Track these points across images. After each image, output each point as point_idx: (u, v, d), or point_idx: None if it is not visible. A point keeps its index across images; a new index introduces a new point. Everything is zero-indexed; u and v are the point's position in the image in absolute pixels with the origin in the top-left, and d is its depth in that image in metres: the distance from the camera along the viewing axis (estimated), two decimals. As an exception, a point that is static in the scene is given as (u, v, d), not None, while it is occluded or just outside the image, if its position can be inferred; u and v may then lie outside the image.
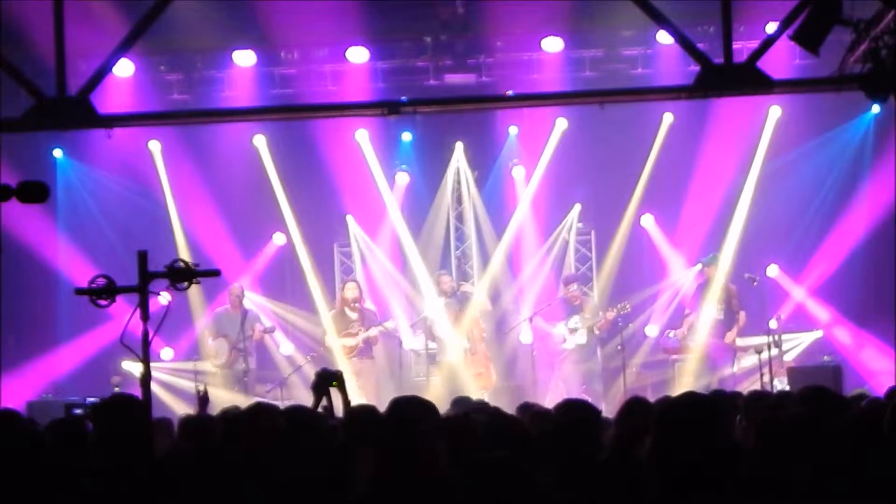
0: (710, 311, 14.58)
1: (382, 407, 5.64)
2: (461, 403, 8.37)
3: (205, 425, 6.67)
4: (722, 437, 3.71)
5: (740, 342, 14.57)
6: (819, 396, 6.35)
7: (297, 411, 6.32)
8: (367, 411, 6.21)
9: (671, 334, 14.89)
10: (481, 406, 8.40)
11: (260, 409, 5.94)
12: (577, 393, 14.55)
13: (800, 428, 5.06)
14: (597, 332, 14.84)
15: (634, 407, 6.40)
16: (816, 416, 5.29)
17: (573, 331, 14.82)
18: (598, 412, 5.96)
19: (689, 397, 4.03)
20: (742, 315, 14.65)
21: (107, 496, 4.80)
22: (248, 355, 14.68)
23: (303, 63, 15.09)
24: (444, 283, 15.29)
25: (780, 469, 4.69)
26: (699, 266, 15.24)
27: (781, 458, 4.79)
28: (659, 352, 15.16)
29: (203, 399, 7.77)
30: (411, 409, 4.81)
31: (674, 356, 14.83)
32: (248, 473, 5.02)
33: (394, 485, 4.33)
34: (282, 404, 10.95)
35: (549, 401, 14.19)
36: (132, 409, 5.15)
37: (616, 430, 5.57)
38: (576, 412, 5.77)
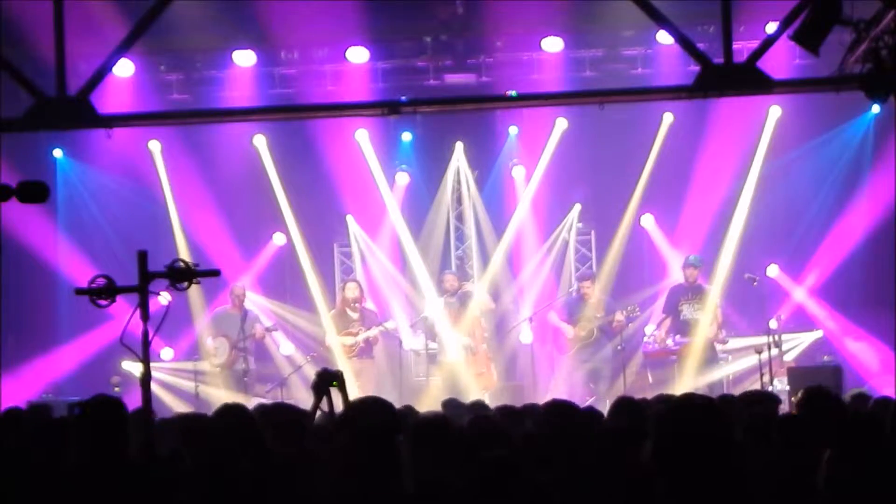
0: (686, 312, 14.53)
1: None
2: (451, 406, 8.36)
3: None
4: (723, 438, 3.72)
5: (742, 342, 14.54)
6: (816, 397, 6.35)
7: (276, 411, 6.33)
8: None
9: (649, 339, 14.84)
10: (479, 406, 8.41)
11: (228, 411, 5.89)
12: (581, 391, 14.55)
13: (794, 426, 5.06)
14: (597, 332, 14.79)
15: (624, 407, 6.42)
16: (812, 416, 5.30)
17: (583, 328, 14.75)
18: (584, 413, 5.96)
19: (690, 399, 4.05)
20: (718, 311, 14.62)
21: (83, 496, 4.81)
22: (248, 355, 14.66)
23: (303, 63, 15.08)
24: (448, 281, 15.26)
25: (777, 468, 4.70)
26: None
27: (777, 456, 4.79)
28: (659, 353, 15.13)
29: None
30: (368, 411, 4.78)
31: (655, 359, 14.80)
32: (221, 474, 5.02)
33: (355, 489, 4.33)
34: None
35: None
36: (111, 411, 5.17)
37: (606, 430, 5.58)
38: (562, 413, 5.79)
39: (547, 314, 15.26)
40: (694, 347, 14.44)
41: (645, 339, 14.97)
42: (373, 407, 4.75)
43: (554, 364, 15.51)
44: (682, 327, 14.55)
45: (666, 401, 7.51)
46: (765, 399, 7.73)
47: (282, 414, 6.23)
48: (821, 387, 6.73)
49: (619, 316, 14.60)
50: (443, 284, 15.32)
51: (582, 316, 14.85)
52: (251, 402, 9.55)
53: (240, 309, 14.83)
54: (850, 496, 4.44)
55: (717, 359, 14.55)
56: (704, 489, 3.58)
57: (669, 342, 14.61)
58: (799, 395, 6.89)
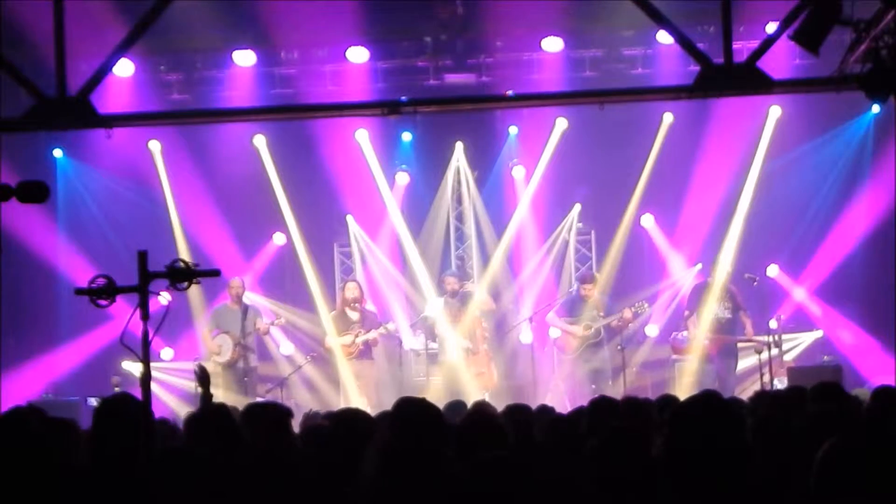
0: (717, 310, 14.44)
1: (382, 407, 5.67)
2: (455, 408, 8.36)
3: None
4: (735, 438, 3.71)
5: (742, 342, 14.50)
6: (829, 394, 6.37)
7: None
8: (358, 413, 6.23)
9: (681, 335, 14.68)
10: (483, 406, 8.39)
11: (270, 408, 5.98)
12: (583, 391, 14.51)
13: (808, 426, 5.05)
14: (602, 331, 14.69)
15: (631, 407, 6.43)
16: (825, 415, 5.28)
17: (588, 328, 14.69)
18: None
19: (703, 397, 4.03)
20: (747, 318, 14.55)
21: (99, 495, 4.81)
22: (250, 353, 14.58)
23: (303, 63, 15.08)
24: (448, 283, 15.23)
25: (785, 468, 4.69)
26: (699, 266, 15.26)
27: (786, 457, 4.78)
28: (658, 352, 15.09)
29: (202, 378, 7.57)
30: (416, 410, 4.83)
31: (682, 356, 14.67)
32: (254, 472, 5.03)
33: (398, 485, 4.33)
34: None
35: (549, 401, 14.20)
36: (128, 409, 5.16)
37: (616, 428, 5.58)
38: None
39: (545, 316, 15.22)
40: (714, 346, 14.29)
41: (677, 334, 14.78)
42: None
43: (555, 364, 15.51)
44: (710, 325, 14.43)
45: (672, 400, 7.52)
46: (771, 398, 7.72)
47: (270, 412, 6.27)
48: (830, 383, 6.75)
49: (627, 313, 14.52)
50: (443, 286, 15.29)
51: (584, 315, 14.77)
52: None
53: (239, 304, 14.75)
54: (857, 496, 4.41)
55: (735, 358, 14.42)
56: (713, 489, 3.57)
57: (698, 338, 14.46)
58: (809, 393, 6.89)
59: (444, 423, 5.00)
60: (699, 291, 14.66)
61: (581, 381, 14.76)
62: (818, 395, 6.56)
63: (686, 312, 14.69)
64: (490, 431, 5.51)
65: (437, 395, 13.52)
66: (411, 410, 4.85)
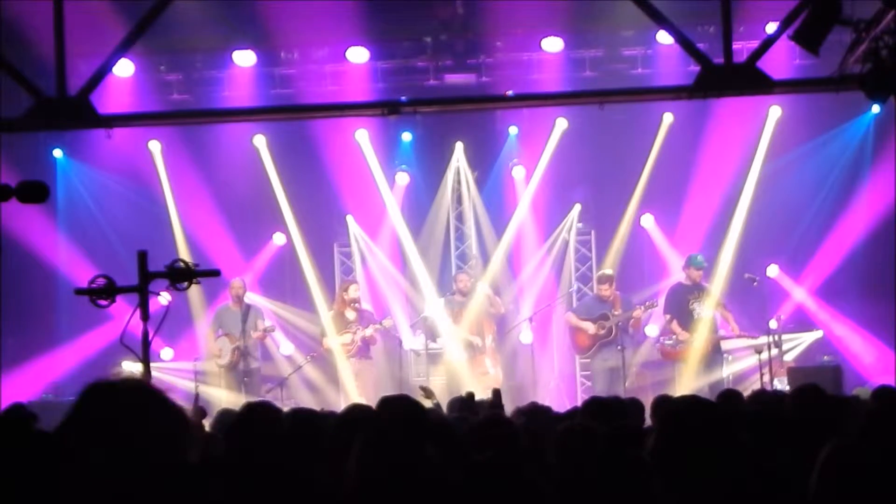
0: (705, 310, 14.40)
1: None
2: (454, 404, 8.37)
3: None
4: (727, 438, 3.71)
5: (739, 343, 14.48)
6: (812, 395, 6.36)
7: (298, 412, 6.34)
8: (361, 410, 6.23)
9: (669, 340, 14.59)
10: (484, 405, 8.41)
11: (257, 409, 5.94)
12: (606, 392, 14.45)
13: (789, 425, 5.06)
14: (616, 329, 14.60)
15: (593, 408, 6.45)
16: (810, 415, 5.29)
17: (602, 327, 14.60)
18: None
19: (693, 398, 4.04)
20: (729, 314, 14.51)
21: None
22: (249, 355, 14.56)
23: (303, 63, 15.08)
24: (461, 281, 15.21)
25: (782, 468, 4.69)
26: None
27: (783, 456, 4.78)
28: (658, 352, 15.06)
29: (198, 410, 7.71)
30: (398, 407, 4.81)
31: (673, 360, 14.60)
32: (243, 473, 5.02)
33: (379, 484, 4.32)
34: (283, 404, 10.95)
35: (549, 401, 14.18)
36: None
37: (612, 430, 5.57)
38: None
39: (564, 315, 15.19)
40: (706, 346, 14.28)
41: (664, 339, 14.75)
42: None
43: (556, 364, 15.50)
44: (696, 326, 14.42)
45: (665, 401, 7.53)
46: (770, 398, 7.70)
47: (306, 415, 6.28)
48: (813, 385, 6.75)
49: (638, 312, 14.45)
50: (457, 285, 15.25)
51: (601, 314, 14.67)
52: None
53: (240, 305, 14.75)
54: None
55: (723, 357, 14.43)
56: (703, 489, 3.57)
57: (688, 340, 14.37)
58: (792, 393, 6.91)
59: (426, 417, 4.98)
60: (675, 293, 14.59)
61: (603, 381, 14.60)
62: (798, 398, 6.54)
63: (667, 317, 14.57)
64: (501, 433, 5.49)
65: (437, 395, 13.51)
66: (394, 406, 4.84)
